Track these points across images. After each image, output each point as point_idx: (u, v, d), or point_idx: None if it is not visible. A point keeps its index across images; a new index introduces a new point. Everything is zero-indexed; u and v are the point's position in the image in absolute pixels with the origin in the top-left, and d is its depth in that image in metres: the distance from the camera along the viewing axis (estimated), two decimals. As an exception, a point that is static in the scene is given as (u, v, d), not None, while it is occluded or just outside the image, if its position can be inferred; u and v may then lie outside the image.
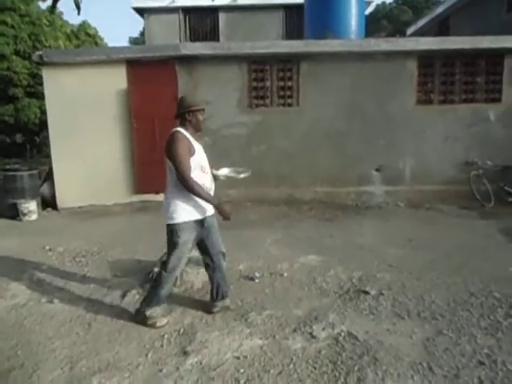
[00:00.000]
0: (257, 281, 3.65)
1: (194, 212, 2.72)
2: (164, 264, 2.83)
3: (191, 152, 2.66)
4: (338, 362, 2.40)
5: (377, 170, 7.16)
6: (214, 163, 3.04)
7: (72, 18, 55.79)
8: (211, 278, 3.02)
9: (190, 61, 6.96)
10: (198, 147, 2.76)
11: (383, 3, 33.70)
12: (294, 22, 12.29)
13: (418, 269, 3.86)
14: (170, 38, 12.42)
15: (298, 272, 3.83)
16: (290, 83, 7.17)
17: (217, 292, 3.02)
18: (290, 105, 7.25)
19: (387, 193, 7.08)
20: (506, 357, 2.42)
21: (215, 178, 2.95)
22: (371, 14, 31.24)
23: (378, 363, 2.38)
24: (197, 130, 2.81)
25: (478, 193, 6.66)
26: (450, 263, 4.01)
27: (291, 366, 2.38)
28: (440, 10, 14.99)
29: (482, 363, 2.36)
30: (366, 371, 2.30)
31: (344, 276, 3.72)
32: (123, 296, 3.36)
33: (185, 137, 2.68)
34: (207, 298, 3.13)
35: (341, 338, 2.66)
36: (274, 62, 7.11)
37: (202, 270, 3.27)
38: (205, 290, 3.35)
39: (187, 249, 2.81)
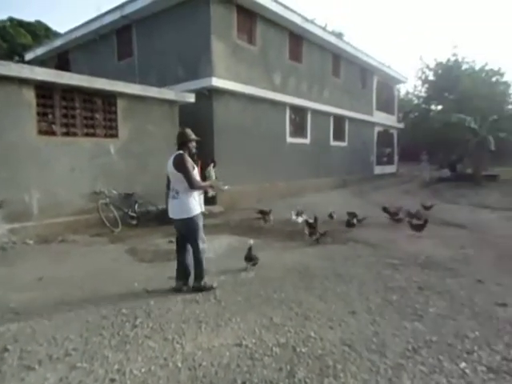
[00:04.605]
0: None
1: (199, 207, 4.05)
2: (196, 248, 4.04)
3: (192, 168, 3.93)
4: None
5: (-3, 206, 6.25)
6: None
7: None
8: (184, 261, 4.18)
9: None
10: (194, 164, 4.03)
11: (-8, 18, 30.09)
12: None
13: (50, 308, 3.67)
14: None
15: None
16: None
17: (190, 271, 4.20)
18: None
19: (12, 231, 6.33)
20: (133, 364, 2.72)
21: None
22: (-21, 27, 27.28)
23: None
24: (190, 153, 4.06)
25: (106, 220, 7.22)
26: (82, 293, 4.08)
27: None
28: (59, 42, 15.27)
29: (113, 380, 2.53)
30: None
31: (-48, 345, 2.94)
32: None
33: (188, 158, 3.93)
34: None
35: None
36: None
37: None
38: None
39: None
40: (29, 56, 17.19)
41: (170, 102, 9.14)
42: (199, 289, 4.12)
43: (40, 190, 6.79)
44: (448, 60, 30.38)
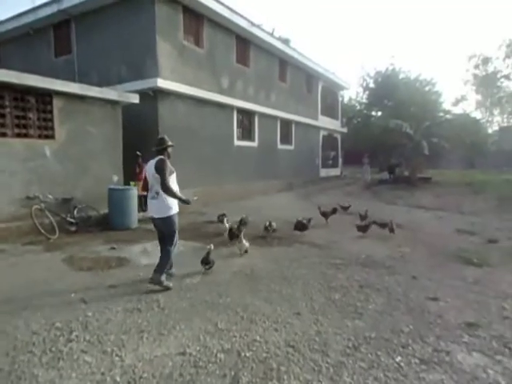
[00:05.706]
0: None
1: (177, 207, 4.45)
2: (170, 245, 4.40)
3: (170, 172, 4.37)
4: None
5: None
6: None
7: None
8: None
9: None
10: (173, 169, 4.47)
11: None
12: None
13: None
14: None
15: None
16: None
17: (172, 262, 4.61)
18: None
19: None
20: (66, 382, 2.54)
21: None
22: None
23: None
24: (168, 157, 4.48)
25: (41, 226, 6.72)
26: (10, 307, 3.75)
27: None
28: (-14, 35, 14.06)
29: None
30: None
31: None
32: None
33: (168, 163, 4.36)
34: None
35: None
36: None
37: None
38: None
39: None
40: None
41: (113, 103, 8.75)
42: (157, 282, 4.25)
43: (-37, 196, 6.18)
44: (386, 69, 32.22)
